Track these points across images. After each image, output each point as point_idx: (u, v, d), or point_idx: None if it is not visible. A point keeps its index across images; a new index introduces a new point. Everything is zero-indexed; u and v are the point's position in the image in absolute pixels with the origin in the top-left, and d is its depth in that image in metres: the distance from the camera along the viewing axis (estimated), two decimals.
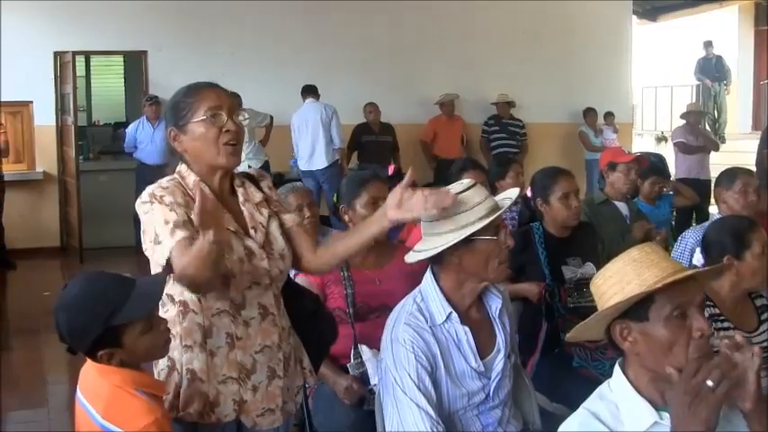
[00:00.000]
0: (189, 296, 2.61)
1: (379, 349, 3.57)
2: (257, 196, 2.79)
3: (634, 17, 14.06)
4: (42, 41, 10.61)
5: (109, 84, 16.14)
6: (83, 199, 10.36)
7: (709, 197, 10.58)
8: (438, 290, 2.81)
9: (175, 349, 2.62)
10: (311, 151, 10.51)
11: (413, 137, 11.78)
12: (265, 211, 2.77)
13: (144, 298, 2.34)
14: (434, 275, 2.85)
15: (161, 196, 2.54)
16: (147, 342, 2.38)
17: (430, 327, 2.75)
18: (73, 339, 2.35)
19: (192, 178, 2.63)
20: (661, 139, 19.79)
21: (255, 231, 2.70)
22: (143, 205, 2.57)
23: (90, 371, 2.40)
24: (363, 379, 3.59)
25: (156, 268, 2.54)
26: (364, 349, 3.60)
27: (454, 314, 2.78)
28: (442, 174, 11.25)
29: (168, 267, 2.46)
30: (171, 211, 2.51)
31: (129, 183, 10.52)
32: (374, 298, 3.69)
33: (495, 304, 2.91)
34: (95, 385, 2.38)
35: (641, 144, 17.36)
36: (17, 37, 10.44)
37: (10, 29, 10.38)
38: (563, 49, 12.81)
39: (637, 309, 2.09)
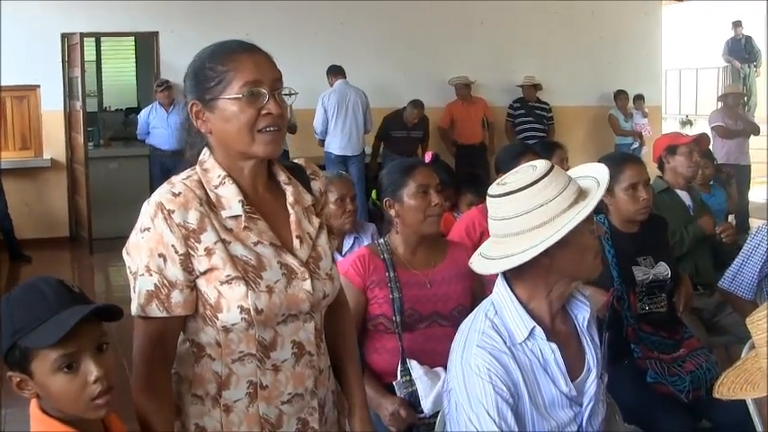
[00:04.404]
0: (207, 339, 2.05)
1: (430, 365, 3.10)
2: (307, 199, 2.19)
3: None
4: (49, 23, 10.14)
5: (120, 68, 15.82)
6: (93, 187, 9.95)
7: (749, 183, 10.21)
8: (515, 300, 2.30)
9: (182, 395, 2.09)
10: (349, 135, 10.03)
11: (436, 122, 11.30)
12: (315, 220, 2.20)
13: (58, 325, 1.76)
14: (508, 282, 2.34)
15: (170, 211, 1.97)
16: (60, 386, 1.78)
17: (509, 347, 2.24)
18: None
19: (216, 173, 2.06)
20: (686, 123, 19.30)
21: (301, 243, 2.12)
22: (145, 214, 2.00)
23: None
24: (412, 401, 3.08)
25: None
26: (414, 365, 3.09)
27: (538, 329, 2.26)
28: (463, 160, 10.81)
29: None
30: (170, 246, 1.96)
31: (140, 170, 10.30)
32: (424, 304, 3.18)
33: (582, 314, 2.39)
34: None
35: (666, 129, 16.87)
36: (23, 18, 9.97)
37: (15, 10, 9.88)
38: (591, 30, 12.43)
39: None
